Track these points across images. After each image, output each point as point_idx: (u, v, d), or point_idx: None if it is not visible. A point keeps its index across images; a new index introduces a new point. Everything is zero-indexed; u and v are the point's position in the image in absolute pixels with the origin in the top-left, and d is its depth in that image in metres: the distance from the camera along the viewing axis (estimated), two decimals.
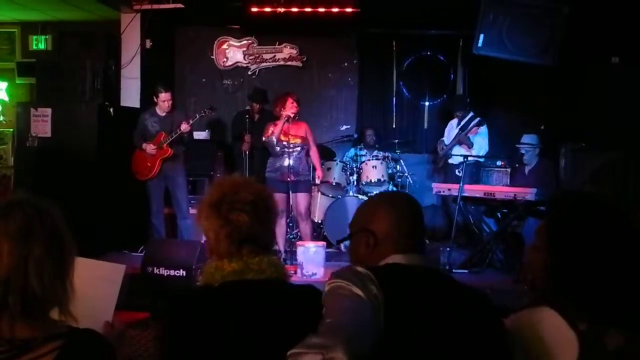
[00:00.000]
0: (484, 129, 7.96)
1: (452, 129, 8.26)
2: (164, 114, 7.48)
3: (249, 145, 8.06)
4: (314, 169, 7.35)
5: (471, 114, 8.07)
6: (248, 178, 2.14)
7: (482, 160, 8.07)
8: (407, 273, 1.77)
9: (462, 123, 8.06)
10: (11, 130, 9.43)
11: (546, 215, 1.94)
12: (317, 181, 7.46)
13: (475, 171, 8.08)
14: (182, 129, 7.25)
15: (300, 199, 7.07)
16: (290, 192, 7.00)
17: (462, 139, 7.87)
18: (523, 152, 7.49)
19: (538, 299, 1.86)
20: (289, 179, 6.80)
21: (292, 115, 6.87)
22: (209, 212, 2.01)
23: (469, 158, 7.55)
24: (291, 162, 6.95)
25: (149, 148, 7.35)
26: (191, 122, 7.37)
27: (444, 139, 8.38)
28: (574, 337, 1.72)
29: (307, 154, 7.24)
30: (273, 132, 6.95)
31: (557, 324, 1.75)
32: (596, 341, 1.71)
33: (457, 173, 7.34)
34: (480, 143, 7.97)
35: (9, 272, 1.56)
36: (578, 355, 1.70)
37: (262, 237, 2.03)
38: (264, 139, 7.14)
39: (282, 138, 6.96)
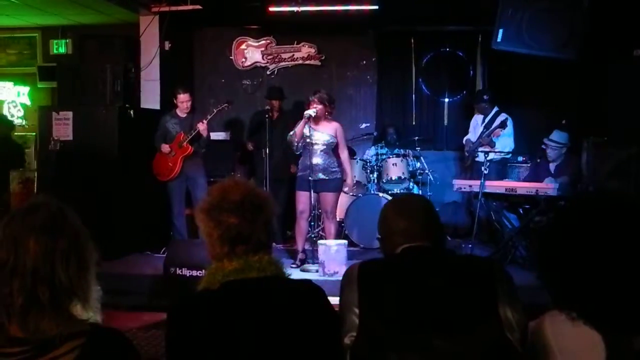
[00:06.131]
0: (508, 128, 7.82)
1: (477, 126, 8.17)
2: (184, 115, 7.55)
3: (252, 149, 8.39)
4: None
5: (496, 109, 7.97)
6: (239, 180, 2.20)
7: (508, 157, 7.99)
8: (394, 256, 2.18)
9: (487, 120, 7.97)
10: (33, 134, 9.54)
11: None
12: (345, 189, 7.32)
13: (502, 168, 8.00)
14: (199, 127, 7.30)
15: (327, 197, 6.91)
16: (315, 191, 6.83)
17: (484, 141, 7.79)
18: (544, 147, 7.41)
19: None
20: (310, 178, 6.73)
21: (312, 114, 6.81)
22: (202, 217, 2.10)
23: (494, 155, 7.52)
24: (316, 160, 6.84)
25: (164, 148, 7.44)
26: (209, 117, 7.43)
27: (469, 136, 8.30)
28: (599, 338, 1.66)
29: (337, 153, 7.05)
30: (295, 132, 6.92)
31: (580, 329, 1.69)
32: (623, 342, 1.65)
33: (484, 170, 7.30)
34: (505, 141, 7.83)
35: (36, 263, 1.60)
36: (605, 357, 1.65)
37: (253, 236, 2.07)
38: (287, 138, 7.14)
39: (306, 135, 6.83)
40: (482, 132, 7.93)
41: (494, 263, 2.17)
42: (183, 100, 7.49)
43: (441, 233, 2.27)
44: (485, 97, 8.20)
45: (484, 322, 1.93)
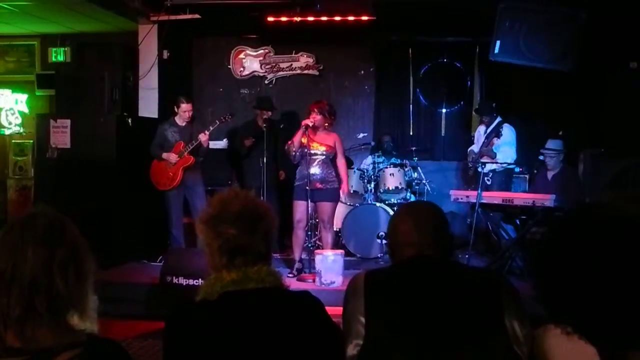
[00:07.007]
0: (509, 137, 7.75)
1: (480, 136, 8.14)
2: (183, 124, 7.54)
3: (249, 146, 8.17)
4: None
5: (498, 119, 7.94)
6: (239, 191, 2.20)
7: (512, 167, 7.96)
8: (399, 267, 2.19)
9: (489, 130, 7.95)
10: (31, 141, 9.53)
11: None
12: (342, 196, 7.26)
13: (505, 179, 7.93)
14: (200, 139, 7.29)
15: (324, 207, 6.94)
16: (312, 200, 6.84)
17: (484, 152, 7.77)
18: (543, 158, 7.41)
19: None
20: (307, 187, 6.72)
21: (310, 125, 6.82)
22: (202, 228, 2.11)
23: (495, 166, 7.53)
24: (314, 170, 6.86)
25: (172, 157, 7.40)
26: (211, 128, 7.43)
27: (473, 147, 8.28)
28: (594, 353, 1.64)
29: (334, 163, 7.07)
30: (292, 142, 6.94)
31: (575, 343, 1.68)
32: (619, 357, 1.62)
33: (487, 181, 7.28)
34: (506, 152, 7.76)
35: (35, 273, 1.60)
36: None
37: (253, 247, 2.07)
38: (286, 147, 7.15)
39: (305, 144, 6.83)
40: (483, 143, 7.93)
41: (500, 275, 2.20)
42: (185, 110, 7.49)
43: (449, 243, 2.28)
44: (493, 105, 8.15)
45: (490, 334, 1.93)
